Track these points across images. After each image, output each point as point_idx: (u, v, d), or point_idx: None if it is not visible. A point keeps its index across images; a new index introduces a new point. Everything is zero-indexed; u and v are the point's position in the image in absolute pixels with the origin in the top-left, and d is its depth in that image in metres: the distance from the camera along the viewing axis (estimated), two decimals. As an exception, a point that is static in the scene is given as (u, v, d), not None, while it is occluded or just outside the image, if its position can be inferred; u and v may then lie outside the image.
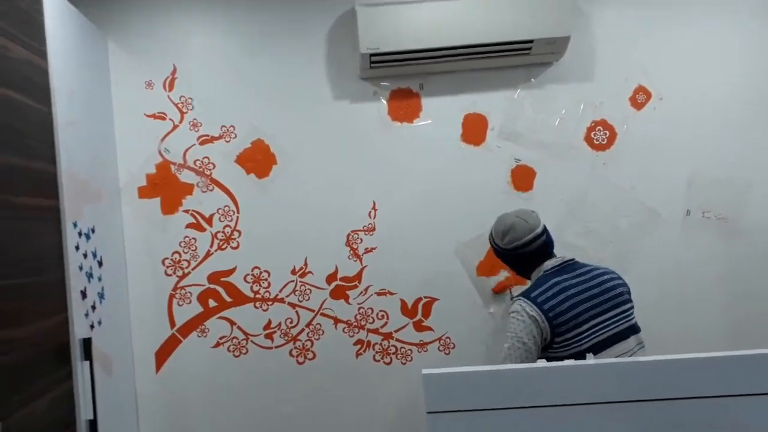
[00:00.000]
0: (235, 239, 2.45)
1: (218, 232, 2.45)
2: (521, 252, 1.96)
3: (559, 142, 2.47)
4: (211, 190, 2.45)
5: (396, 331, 2.48)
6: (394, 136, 2.47)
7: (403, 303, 2.48)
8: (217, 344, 2.45)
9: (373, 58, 2.31)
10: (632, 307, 1.92)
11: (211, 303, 2.44)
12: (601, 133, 2.47)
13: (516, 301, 1.89)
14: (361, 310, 2.48)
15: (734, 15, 2.48)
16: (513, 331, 1.84)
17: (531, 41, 2.31)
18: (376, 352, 2.48)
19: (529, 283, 1.98)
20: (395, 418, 2.47)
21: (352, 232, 2.47)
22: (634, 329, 1.91)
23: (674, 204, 2.48)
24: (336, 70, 2.46)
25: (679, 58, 2.47)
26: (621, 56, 2.47)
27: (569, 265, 1.94)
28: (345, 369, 2.47)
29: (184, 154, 2.44)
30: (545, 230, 1.99)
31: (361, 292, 2.48)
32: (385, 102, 2.48)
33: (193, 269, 2.44)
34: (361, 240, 2.47)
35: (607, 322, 1.86)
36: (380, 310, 2.48)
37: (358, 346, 2.48)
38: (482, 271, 2.49)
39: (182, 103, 2.44)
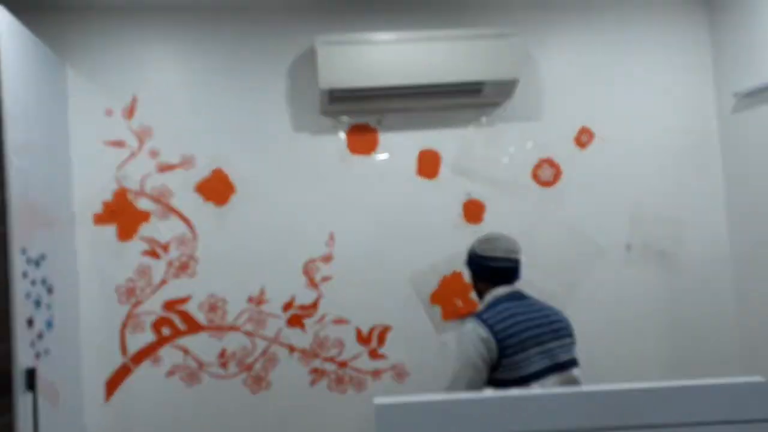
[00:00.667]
0: (191, 267, 2.40)
1: (174, 259, 2.39)
2: (487, 264, 2.01)
3: (507, 178, 2.54)
4: (168, 218, 2.40)
5: (351, 360, 2.46)
6: (352, 169, 2.50)
7: (359, 331, 2.46)
8: (170, 373, 2.37)
9: (333, 94, 2.34)
10: (573, 343, 1.98)
11: (165, 331, 2.37)
12: (548, 170, 2.54)
13: (467, 322, 1.92)
14: (317, 339, 2.45)
15: (670, 66, 2.65)
16: (464, 351, 1.88)
17: (482, 83, 2.39)
18: (331, 381, 2.45)
19: (479, 306, 2.01)
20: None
21: (309, 260, 2.45)
22: (574, 362, 1.96)
23: (616, 238, 2.56)
24: (297, 104, 2.48)
25: (619, 102, 2.59)
26: (566, 99, 2.56)
27: (519, 295, 2.00)
28: (300, 398, 2.44)
29: (142, 182, 2.39)
30: (519, 264, 2.03)
31: (318, 320, 2.45)
32: (344, 136, 2.49)
33: (147, 297, 2.36)
34: (318, 269, 2.45)
35: (549, 352, 1.91)
36: (336, 338, 2.45)
37: (313, 375, 2.45)
38: (436, 300, 2.49)
39: (141, 130, 2.40)
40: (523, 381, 1.86)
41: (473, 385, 1.86)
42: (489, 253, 2.01)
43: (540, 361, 1.88)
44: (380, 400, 1.67)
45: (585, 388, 1.72)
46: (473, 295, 2.13)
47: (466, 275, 2.16)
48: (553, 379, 1.89)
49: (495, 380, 1.89)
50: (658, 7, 2.62)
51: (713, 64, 2.61)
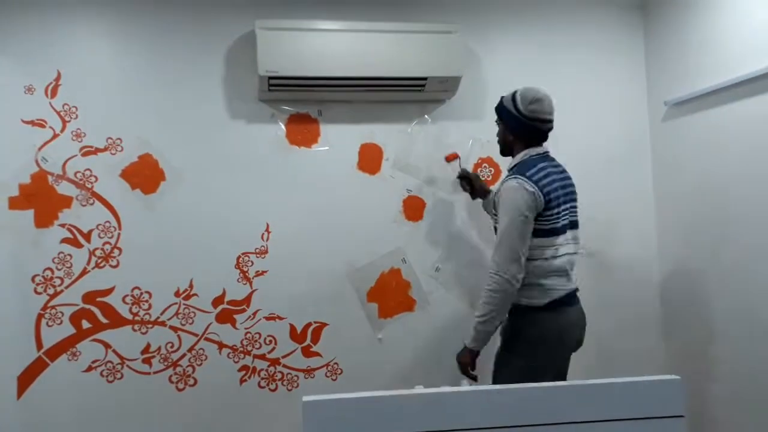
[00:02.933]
0: (115, 257, 2.36)
1: (97, 248, 2.35)
2: (532, 125, 2.12)
3: (447, 176, 2.60)
4: (92, 204, 2.35)
5: (283, 357, 2.48)
6: (290, 160, 2.51)
7: (293, 328, 2.49)
8: (89, 368, 2.34)
9: (272, 81, 2.35)
10: (577, 205, 2.21)
11: (85, 324, 2.33)
12: (487, 170, 2.63)
13: (512, 179, 2.05)
14: (248, 335, 2.45)
15: (604, 71, 2.78)
16: (513, 205, 2.01)
17: (425, 78, 2.45)
18: (262, 378, 2.46)
19: (511, 162, 2.18)
20: (278, 446, 2.44)
21: (243, 254, 2.46)
22: (578, 224, 2.20)
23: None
24: (233, 90, 2.47)
25: (558, 104, 2.66)
26: (508, 98, 2.64)
27: (548, 156, 2.17)
28: (228, 396, 2.44)
29: (64, 165, 2.33)
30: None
31: (249, 316, 2.46)
32: (282, 125, 2.51)
33: (66, 287, 2.32)
34: (252, 263, 2.46)
35: (569, 210, 2.14)
36: (268, 335, 2.47)
37: (243, 372, 2.46)
38: (373, 297, 2.55)
39: (65, 111, 2.34)
40: (553, 233, 2.07)
41: (524, 237, 2.02)
42: (536, 115, 2.11)
43: (564, 217, 2.10)
44: (308, 398, 1.72)
45: (510, 386, 1.82)
46: (501, 149, 2.25)
47: (499, 126, 2.21)
48: (569, 234, 2.13)
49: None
50: (595, 10, 2.74)
51: (646, 72, 2.77)
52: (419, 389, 1.78)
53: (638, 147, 2.77)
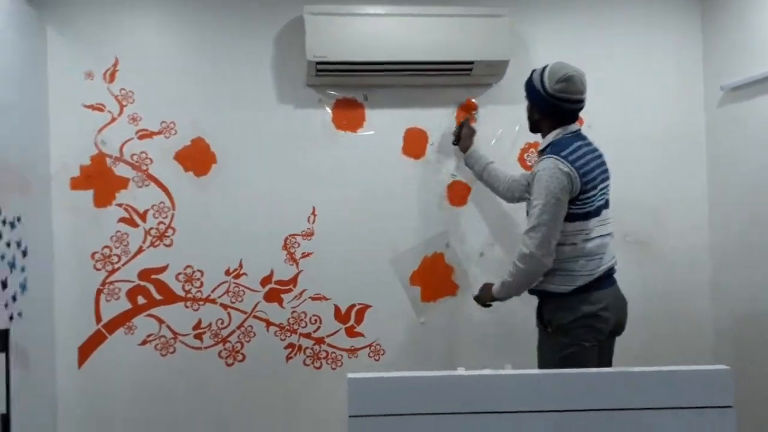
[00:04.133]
0: (168, 236, 2.46)
1: (152, 228, 2.45)
2: (561, 105, 2.08)
3: (494, 160, 2.58)
4: (147, 186, 2.45)
5: (328, 336, 2.55)
6: (336, 144, 2.55)
7: (337, 308, 2.55)
8: (144, 342, 2.45)
9: (319, 66, 2.39)
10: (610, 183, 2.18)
11: (140, 300, 2.44)
12: (533, 155, 2.60)
13: (547, 159, 2.02)
14: (295, 314, 2.53)
15: (660, 56, 2.72)
16: (546, 188, 1.99)
17: (472, 62, 2.45)
18: (307, 357, 2.54)
19: (543, 141, 2.14)
20: (322, 423, 2.52)
21: (290, 236, 2.52)
22: (609, 203, 2.17)
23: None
24: (282, 75, 2.53)
25: (608, 90, 2.66)
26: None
27: (582, 134, 2.14)
28: (274, 372, 2.53)
29: (121, 148, 2.44)
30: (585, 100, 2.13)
31: (296, 296, 2.53)
32: (329, 110, 2.55)
33: (123, 265, 2.44)
34: (299, 244, 2.52)
35: (603, 190, 2.11)
36: (313, 315, 2.53)
37: (289, 350, 2.53)
38: (415, 280, 2.58)
39: (122, 95, 2.44)
40: (587, 216, 2.05)
41: (556, 221, 2.00)
42: (565, 95, 2.06)
43: (599, 199, 2.08)
44: (353, 375, 1.77)
45: (556, 371, 1.83)
46: (529, 125, 2.23)
47: (528, 106, 2.19)
48: (602, 216, 2.10)
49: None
50: (652, -5, 2.68)
51: (703, 57, 2.69)
52: (461, 371, 1.82)
53: (693, 133, 2.70)
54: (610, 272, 2.13)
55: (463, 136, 2.54)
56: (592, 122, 2.63)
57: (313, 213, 2.56)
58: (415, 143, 2.61)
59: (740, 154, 2.48)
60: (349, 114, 2.58)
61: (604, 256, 2.11)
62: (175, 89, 2.49)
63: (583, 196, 2.01)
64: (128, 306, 2.45)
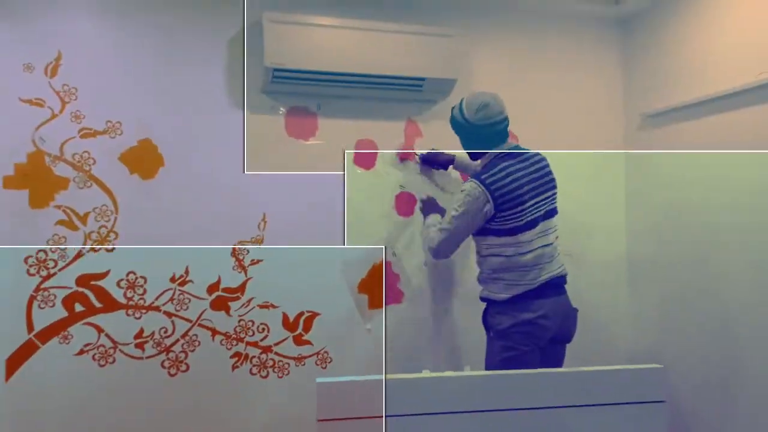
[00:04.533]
0: (110, 241, 2.36)
1: (92, 232, 2.34)
2: (485, 132, 2.24)
3: (438, 174, 2.71)
4: (89, 187, 2.35)
5: (275, 345, 2.53)
6: (288, 152, 2.58)
7: (285, 316, 2.55)
8: (81, 352, 2.33)
9: (276, 73, 2.40)
10: (556, 192, 2.33)
11: (78, 307, 2.32)
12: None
13: (469, 181, 2.20)
14: (242, 323, 2.50)
15: (584, 81, 2.97)
16: (464, 202, 2.19)
17: (423, 79, 2.54)
18: (254, 366, 2.51)
19: (478, 165, 2.32)
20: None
21: (239, 242, 2.49)
22: (555, 211, 2.33)
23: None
24: (236, 80, 2.53)
25: (540, 109, 2.88)
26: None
27: (516, 153, 2.27)
28: (219, 382, 2.48)
29: (62, 146, 2.32)
30: (507, 118, 2.28)
31: (243, 304, 2.50)
32: (282, 117, 2.55)
33: (60, 270, 2.30)
34: (248, 251, 2.50)
35: (542, 203, 2.24)
36: (261, 323, 2.52)
37: (235, 359, 2.50)
38: (363, 288, 2.63)
39: (65, 91, 2.33)
40: (514, 231, 2.20)
41: (462, 232, 2.25)
42: (487, 121, 2.22)
43: (530, 213, 2.21)
44: (322, 379, 1.79)
45: (492, 372, 1.95)
46: (470, 157, 2.42)
47: (461, 142, 2.36)
48: (540, 228, 2.24)
49: (488, 229, 2.22)
50: (577, 22, 2.93)
51: (623, 83, 2.98)
52: (426, 372, 1.90)
53: (613, 155, 2.96)
54: (556, 281, 2.28)
55: (443, 160, 2.71)
56: (526, 139, 2.82)
57: (263, 219, 2.55)
58: (365, 154, 2.67)
59: (657, 176, 2.76)
60: (301, 122, 2.60)
61: (546, 265, 2.26)
62: (122, 88, 2.40)
63: (504, 214, 2.17)
64: (64, 314, 2.31)
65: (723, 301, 2.38)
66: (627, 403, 1.95)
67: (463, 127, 2.28)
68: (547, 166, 2.33)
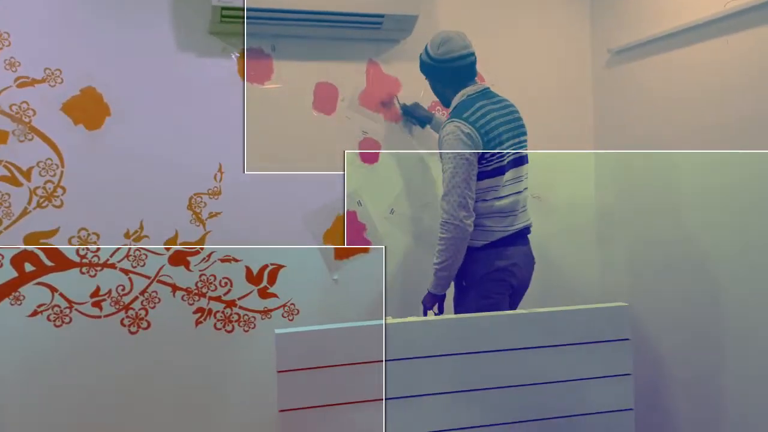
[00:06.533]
0: (58, 197, 2.28)
1: (38, 187, 2.26)
2: (452, 66, 2.19)
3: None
4: (31, 140, 2.25)
5: (239, 299, 2.51)
6: (243, 97, 2.46)
7: (248, 270, 2.51)
8: (35, 313, 2.29)
9: (224, 12, 2.31)
10: (526, 139, 2.31)
11: (28, 267, 2.26)
12: (440, 113, 2.68)
13: (448, 124, 2.12)
14: (203, 278, 2.46)
15: (551, 16, 2.90)
16: (453, 150, 2.09)
17: (382, 16, 2.44)
18: (218, 320, 2.50)
19: (450, 110, 2.25)
20: (237, 386, 2.49)
21: (195, 194, 2.44)
22: (527, 159, 2.31)
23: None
24: (182, 21, 2.43)
25: (505, 48, 2.82)
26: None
27: (487, 92, 2.25)
28: (183, 338, 2.48)
29: (-2, 97, 2.19)
30: (474, 54, 2.23)
31: (204, 258, 2.46)
32: (235, 60, 2.45)
33: (5, 229, 2.25)
34: (205, 204, 2.45)
35: (517, 145, 2.23)
36: (223, 278, 2.49)
37: (198, 314, 2.47)
38: (329, 239, 2.59)
39: (-4, 37, 2.18)
40: (495, 173, 2.16)
41: (469, 180, 2.10)
42: (448, 56, 2.18)
43: (509, 155, 2.19)
44: (280, 330, 1.78)
45: (459, 315, 1.95)
46: (441, 102, 2.34)
47: (430, 85, 2.32)
48: (514, 173, 2.22)
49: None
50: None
51: (590, 21, 2.92)
52: (390, 318, 1.89)
53: (581, 92, 2.93)
54: (524, 231, 2.27)
55: (423, 116, 2.65)
56: (492, 81, 2.77)
57: (220, 170, 2.48)
58: (325, 98, 2.59)
59: (624, 112, 2.73)
60: (255, 65, 2.51)
61: (519, 213, 2.25)
62: (60, 32, 2.28)
63: (488, 155, 2.13)
64: (14, 274, 2.25)
65: (693, 244, 2.39)
66: (593, 342, 1.97)
67: (428, 66, 2.25)
68: (517, 112, 2.31)
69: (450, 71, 2.21)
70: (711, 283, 2.30)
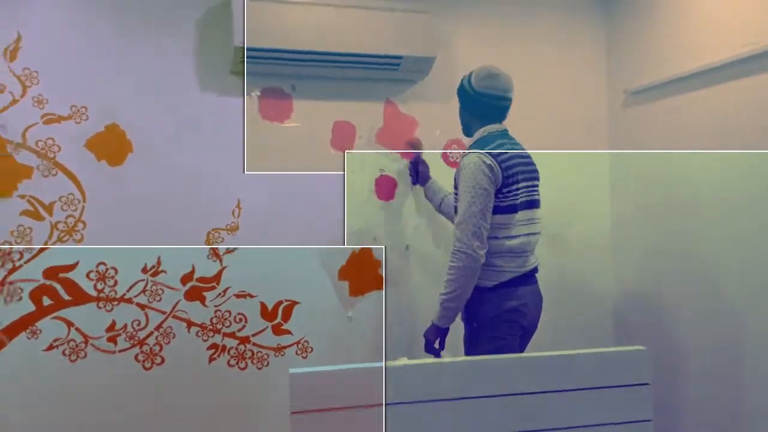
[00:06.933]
0: (78, 231, 2.31)
1: (59, 222, 2.30)
2: (486, 102, 2.22)
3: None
4: (54, 175, 2.30)
5: (254, 335, 2.51)
6: (262, 135, 2.54)
7: (263, 306, 2.52)
8: (50, 347, 2.31)
9: (246, 53, 2.35)
10: (539, 184, 2.31)
11: (46, 301, 2.28)
12: (456, 151, 2.70)
13: (471, 155, 2.14)
14: (218, 313, 2.47)
15: (568, 58, 2.95)
16: (473, 179, 2.10)
17: (400, 57, 2.49)
18: (231, 357, 2.49)
19: (469, 142, 2.29)
20: (249, 425, 2.47)
21: (213, 230, 2.46)
22: (539, 203, 2.32)
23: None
24: (205, 61, 2.48)
25: (522, 90, 2.77)
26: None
27: (507, 134, 2.28)
28: (196, 375, 2.47)
29: (24, 133, 2.28)
30: (511, 101, 2.27)
31: (219, 294, 2.47)
32: (255, 99, 2.50)
33: (26, 262, 2.28)
34: (223, 239, 2.46)
35: (530, 188, 2.24)
36: (238, 313, 2.49)
37: (212, 351, 2.47)
38: (344, 275, 2.60)
39: (26, 75, 2.28)
40: (509, 210, 2.16)
41: (485, 211, 2.10)
42: (489, 91, 2.21)
43: (524, 195, 2.20)
44: (295, 369, 1.77)
45: (473, 357, 1.93)
46: (462, 129, 2.35)
47: (459, 108, 2.33)
48: (527, 214, 2.22)
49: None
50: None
51: (607, 60, 2.97)
52: (403, 360, 1.87)
53: (598, 133, 2.94)
54: (533, 271, 2.26)
55: (421, 173, 2.67)
56: (510, 122, 2.79)
57: (238, 206, 2.51)
58: (343, 136, 2.63)
59: (641, 153, 2.73)
60: (275, 104, 2.56)
61: (530, 255, 2.24)
62: (87, 71, 2.35)
63: (505, 189, 2.14)
64: (31, 308, 2.27)
65: (710, 286, 2.37)
66: (612, 387, 1.94)
67: (466, 93, 2.26)
68: (530, 157, 2.30)
69: (484, 106, 2.23)
70: (735, 323, 2.26)
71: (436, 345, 2.25)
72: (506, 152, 2.16)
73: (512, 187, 2.15)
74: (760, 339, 2.16)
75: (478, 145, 2.20)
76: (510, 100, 2.26)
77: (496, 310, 2.18)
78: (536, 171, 2.30)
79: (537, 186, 2.29)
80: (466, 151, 2.19)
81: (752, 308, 2.19)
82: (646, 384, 1.96)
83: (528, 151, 2.29)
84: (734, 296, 2.27)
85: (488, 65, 2.26)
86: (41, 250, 2.29)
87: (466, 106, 2.29)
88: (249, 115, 2.52)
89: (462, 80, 2.30)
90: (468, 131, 2.33)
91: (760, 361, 2.16)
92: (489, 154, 2.12)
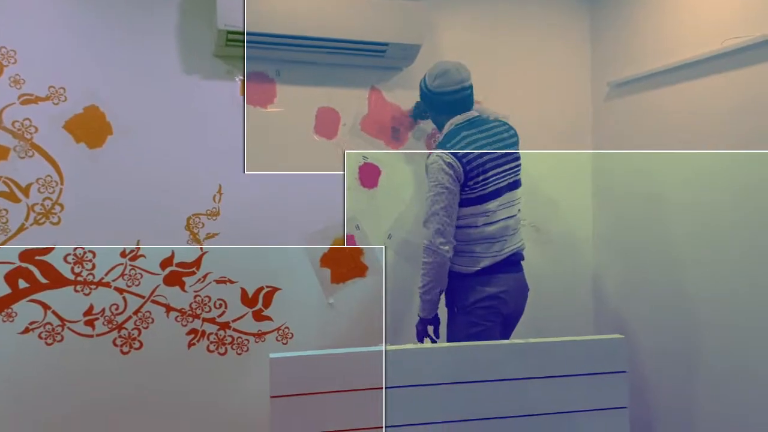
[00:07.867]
0: (56, 214, 2.29)
1: (36, 204, 2.27)
2: (446, 99, 2.28)
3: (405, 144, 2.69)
4: (31, 157, 2.27)
5: (234, 321, 2.50)
6: (245, 119, 2.49)
7: (244, 292, 2.52)
8: (26, 330, 2.29)
9: (230, 36, 2.34)
10: (520, 165, 2.35)
11: (22, 284, 2.26)
12: (431, 151, 2.70)
13: (432, 154, 2.21)
14: (198, 299, 2.46)
15: (552, 50, 2.96)
16: (435, 179, 2.18)
17: (386, 44, 2.49)
18: (211, 342, 2.49)
19: (441, 136, 2.33)
20: (228, 410, 2.47)
21: (193, 215, 2.46)
22: (519, 183, 2.35)
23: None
24: (188, 43, 2.47)
25: (507, 80, 2.88)
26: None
27: (475, 121, 2.30)
28: (175, 360, 2.47)
29: (1, 113, 2.23)
30: (471, 87, 2.30)
31: (199, 279, 2.47)
32: (238, 83, 2.48)
33: (1, 244, 2.22)
34: (203, 224, 2.45)
35: (505, 172, 2.27)
36: (218, 299, 2.49)
37: (191, 336, 2.46)
38: (326, 262, 2.60)
39: (2, 54, 2.26)
40: (481, 200, 2.22)
41: (448, 208, 2.17)
42: (445, 88, 2.26)
43: (495, 183, 2.24)
44: (275, 354, 1.77)
45: (454, 344, 1.95)
46: (437, 127, 2.40)
47: (425, 111, 2.42)
48: (505, 198, 2.27)
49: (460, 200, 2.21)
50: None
51: (591, 52, 2.99)
52: (387, 345, 1.89)
53: (580, 125, 2.97)
54: (516, 257, 2.29)
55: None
56: (492, 108, 2.80)
57: (219, 191, 2.50)
58: (327, 123, 2.63)
59: (623, 144, 2.76)
60: (259, 88, 2.55)
61: (510, 238, 2.27)
62: (66, 51, 2.32)
63: (471, 183, 2.19)
64: (7, 290, 2.26)
65: (683, 274, 2.41)
66: (590, 374, 1.98)
67: (425, 95, 2.35)
68: (511, 137, 2.35)
69: (444, 103, 2.29)
70: (707, 316, 2.31)
71: (431, 334, 2.29)
72: (471, 145, 2.19)
73: (478, 179, 2.19)
74: (728, 331, 2.21)
75: (445, 139, 2.26)
76: (468, 88, 2.29)
77: (474, 296, 2.22)
78: (512, 154, 2.30)
79: (514, 168, 2.30)
80: (430, 152, 2.26)
81: (726, 298, 2.23)
82: (623, 372, 2.01)
83: (504, 132, 2.30)
84: (709, 288, 2.32)
85: (439, 62, 2.33)
86: (17, 231, 2.26)
87: (429, 106, 2.38)
88: (232, 98, 2.50)
89: (420, 84, 2.37)
90: (440, 127, 2.39)
91: (729, 350, 2.20)
92: (451, 153, 2.17)
